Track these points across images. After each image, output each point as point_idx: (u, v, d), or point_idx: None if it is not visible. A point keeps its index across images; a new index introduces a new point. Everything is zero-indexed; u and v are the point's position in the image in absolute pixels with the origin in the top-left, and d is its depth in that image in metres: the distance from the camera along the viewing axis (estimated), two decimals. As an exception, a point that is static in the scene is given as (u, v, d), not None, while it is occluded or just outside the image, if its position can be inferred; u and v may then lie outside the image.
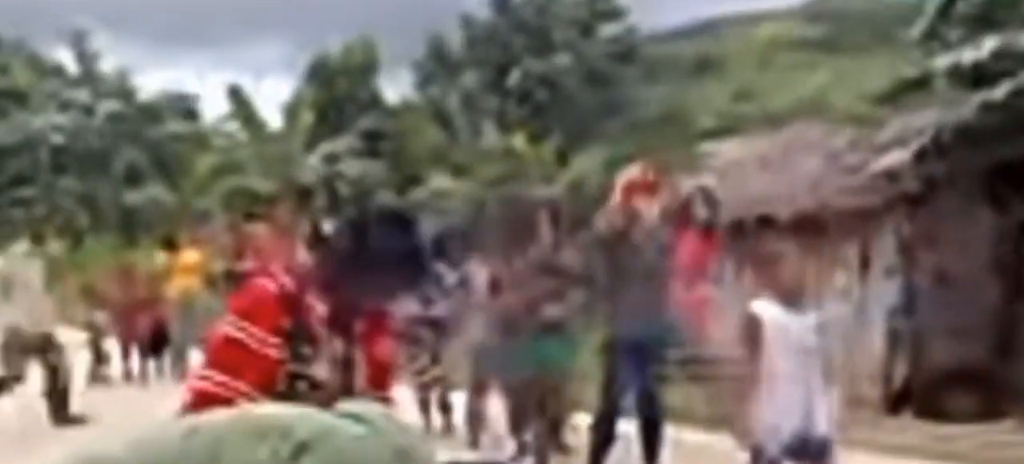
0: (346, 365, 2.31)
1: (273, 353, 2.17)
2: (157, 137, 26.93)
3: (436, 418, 6.72)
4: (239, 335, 2.17)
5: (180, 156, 25.06)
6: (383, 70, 27.50)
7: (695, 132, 18.43)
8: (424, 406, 6.72)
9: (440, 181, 20.72)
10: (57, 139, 25.80)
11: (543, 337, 5.27)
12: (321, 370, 2.24)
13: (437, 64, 27.88)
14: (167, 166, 25.04)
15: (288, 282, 2.23)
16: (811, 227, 8.81)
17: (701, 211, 6.16)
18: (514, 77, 26.93)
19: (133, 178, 25.45)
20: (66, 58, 29.05)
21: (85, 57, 27.80)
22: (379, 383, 2.44)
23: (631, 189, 4.72)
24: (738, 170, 9.87)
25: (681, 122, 22.02)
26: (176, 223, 17.98)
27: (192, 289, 10.43)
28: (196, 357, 10.21)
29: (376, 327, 2.44)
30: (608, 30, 28.16)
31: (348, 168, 23.46)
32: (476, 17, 28.22)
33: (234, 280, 7.07)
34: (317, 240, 2.45)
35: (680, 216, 6.31)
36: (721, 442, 6.19)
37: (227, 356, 2.18)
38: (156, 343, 10.65)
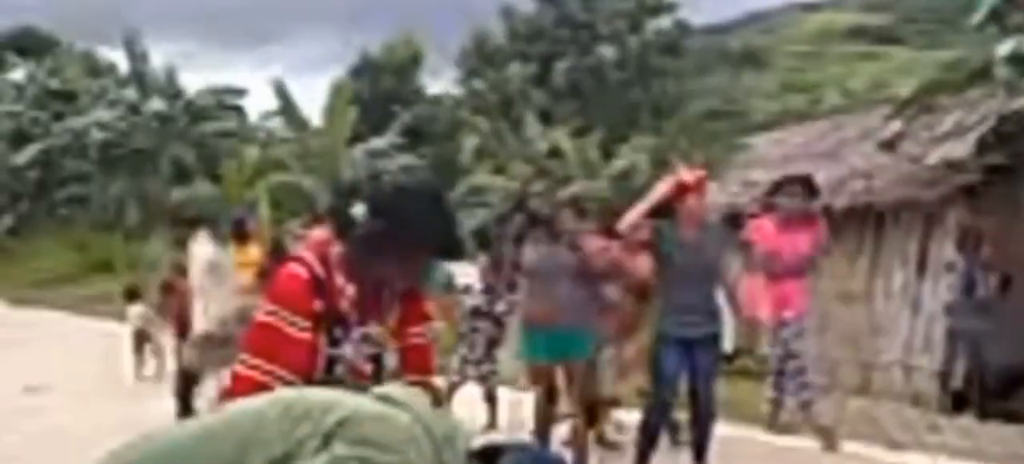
0: (376, 347, 2.35)
1: (306, 336, 2.21)
2: (203, 134, 27.31)
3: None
4: (272, 320, 2.21)
5: (225, 152, 25.36)
6: (427, 65, 27.54)
7: (745, 125, 18.08)
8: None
9: (480, 178, 20.66)
10: (107, 137, 26.30)
11: (559, 329, 5.15)
12: (350, 351, 2.28)
13: (480, 59, 27.78)
14: (213, 163, 25.36)
15: (318, 267, 2.26)
16: (866, 220, 8.51)
17: (796, 200, 5.83)
18: (559, 71, 26.71)
19: (180, 175, 25.83)
20: (118, 57, 29.63)
21: (135, 56, 28.29)
22: (417, 367, 2.46)
23: (681, 190, 4.74)
24: (787, 162, 9.57)
25: (730, 115, 21.63)
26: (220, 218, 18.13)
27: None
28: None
29: (411, 310, 2.45)
30: (657, 23, 27.77)
31: (390, 164, 23.51)
32: (518, 9, 28.04)
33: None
34: (345, 226, 2.39)
35: (767, 206, 6.13)
36: (780, 440, 6.00)
37: (262, 341, 2.22)
38: None
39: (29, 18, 36.86)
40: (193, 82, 31.22)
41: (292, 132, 23.59)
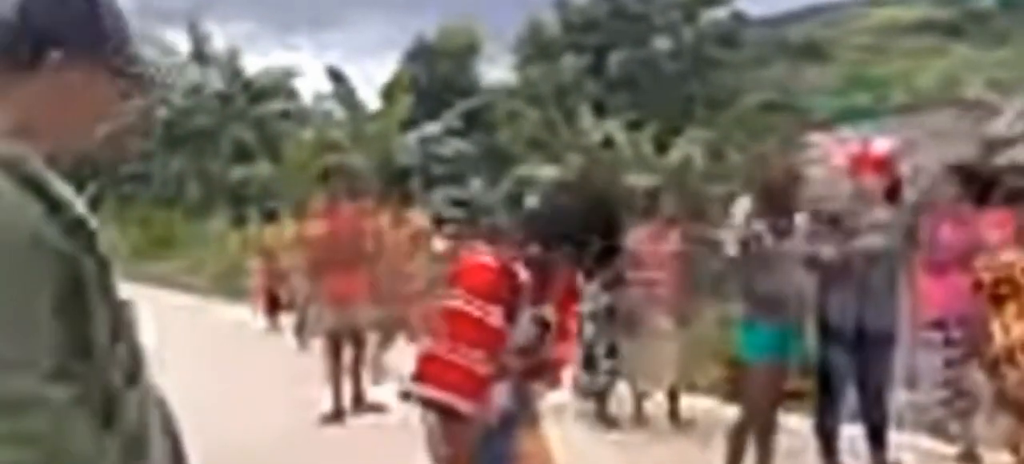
0: (544, 326, 2.60)
1: (499, 322, 2.43)
2: (262, 114, 27.81)
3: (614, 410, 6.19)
4: (468, 308, 2.42)
5: (283, 134, 25.81)
6: (484, 52, 27.58)
7: (804, 119, 17.77)
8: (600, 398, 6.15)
9: (528, 169, 20.71)
10: (170, 116, 26.92)
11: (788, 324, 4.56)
12: (523, 331, 2.52)
13: (535, 49, 27.77)
14: (272, 143, 25.84)
15: (503, 255, 2.50)
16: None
17: (950, 190, 5.13)
18: (613, 62, 26.55)
19: (240, 154, 26.34)
20: (181, 38, 30.26)
21: (198, 37, 28.89)
22: (570, 336, 2.84)
23: (858, 163, 4.38)
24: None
25: (788, 108, 21.26)
26: (279, 198, 18.50)
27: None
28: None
29: (571, 289, 2.75)
30: (712, 14, 27.43)
31: (443, 149, 23.69)
32: (572, 1, 27.90)
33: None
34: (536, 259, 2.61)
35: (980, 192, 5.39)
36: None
37: (460, 328, 2.42)
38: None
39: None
40: (253, 64, 31.71)
41: (347, 115, 23.91)
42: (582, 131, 20.82)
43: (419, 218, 8.32)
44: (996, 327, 4.00)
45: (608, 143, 20.38)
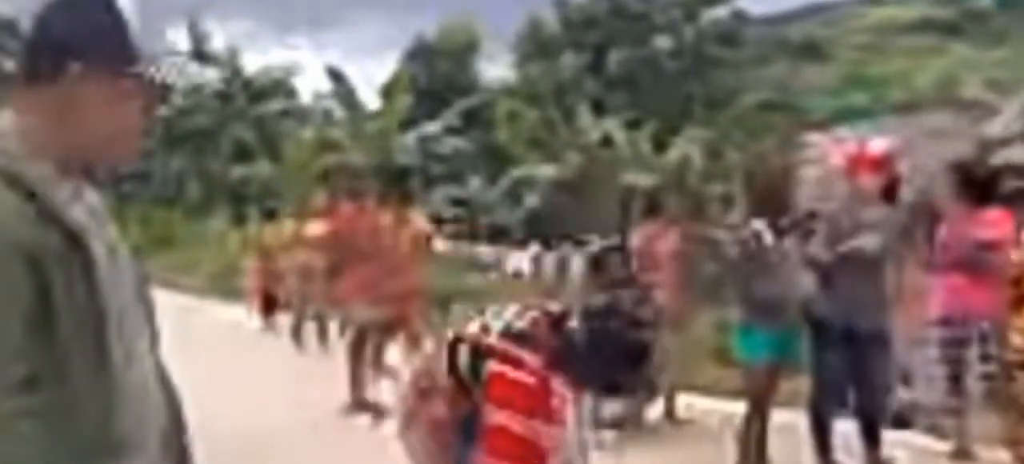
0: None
1: (545, 441, 2.44)
2: (261, 114, 27.84)
3: None
4: (509, 423, 2.43)
5: (283, 134, 25.84)
6: (483, 49, 27.61)
7: (801, 119, 17.80)
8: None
9: (527, 167, 20.74)
10: (169, 114, 26.94)
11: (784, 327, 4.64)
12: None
13: (534, 46, 27.79)
14: (272, 142, 25.87)
15: (537, 366, 2.47)
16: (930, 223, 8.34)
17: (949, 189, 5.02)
18: (613, 60, 26.57)
19: (240, 154, 26.37)
20: (181, 36, 30.23)
21: (197, 36, 28.92)
22: None
23: (855, 163, 4.38)
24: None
25: (786, 107, 21.29)
26: (279, 197, 18.52)
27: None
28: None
29: None
30: (713, 13, 27.44)
31: (441, 147, 23.74)
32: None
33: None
34: (558, 323, 2.62)
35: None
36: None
37: (498, 443, 2.44)
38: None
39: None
40: (252, 63, 31.77)
41: (346, 114, 23.95)
42: (581, 130, 20.85)
43: (420, 220, 8.34)
44: (1013, 330, 3.98)
45: (607, 142, 20.43)
